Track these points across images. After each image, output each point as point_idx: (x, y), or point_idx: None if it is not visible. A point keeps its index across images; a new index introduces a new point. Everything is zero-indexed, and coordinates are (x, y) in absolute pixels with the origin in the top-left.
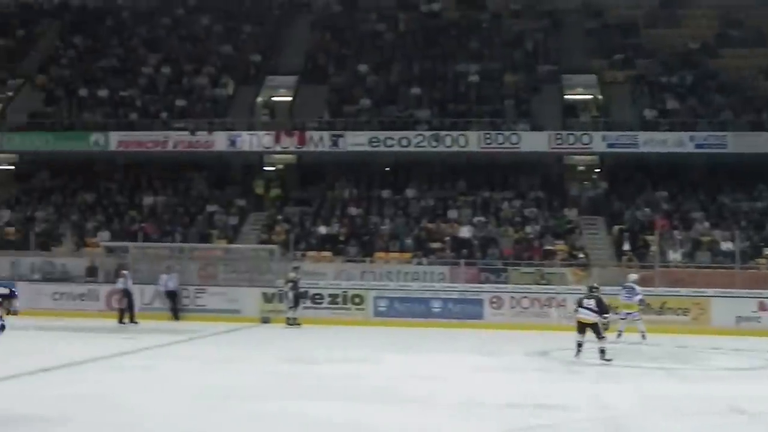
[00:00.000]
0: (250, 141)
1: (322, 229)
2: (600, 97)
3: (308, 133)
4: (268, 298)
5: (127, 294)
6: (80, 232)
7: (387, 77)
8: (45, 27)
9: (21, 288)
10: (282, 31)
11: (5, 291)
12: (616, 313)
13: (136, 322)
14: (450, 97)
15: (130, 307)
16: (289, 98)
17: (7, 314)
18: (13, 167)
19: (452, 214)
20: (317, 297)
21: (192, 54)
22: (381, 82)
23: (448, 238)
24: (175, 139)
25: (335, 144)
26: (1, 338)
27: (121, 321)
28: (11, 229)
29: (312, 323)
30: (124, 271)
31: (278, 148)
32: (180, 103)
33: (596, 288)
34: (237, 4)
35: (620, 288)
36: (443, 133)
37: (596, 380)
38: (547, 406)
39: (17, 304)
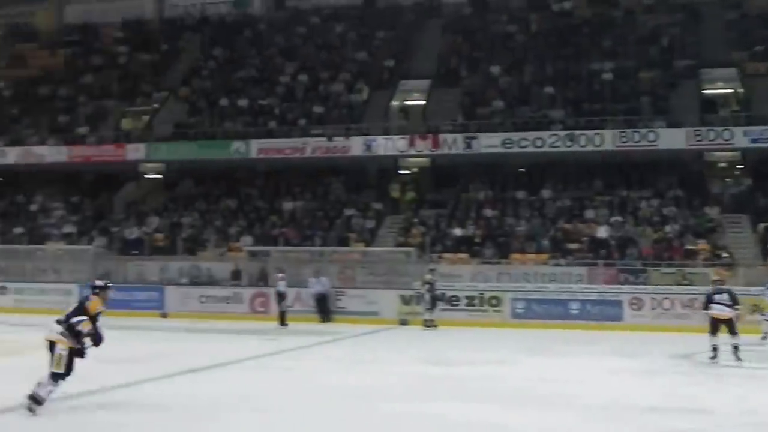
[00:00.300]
0: (385, 145)
1: (458, 231)
2: (741, 90)
3: (442, 136)
4: (405, 301)
5: (282, 296)
6: (224, 237)
7: (519, 78)
8: (187, 41)
9: (170, 291)
10: (414, 35)
11: (101, 283)
12: (762, 314)
13: (285, 325)
14: (584, 96)
15: (282, 309)
16: (423, 102)
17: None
18: (160, 176)
19: (589, 214)
20: (454, 299)
21: (327, 61)
22: (513, 83)
23: (585, 239)
24: (313, 146)
25: (469, 146)
26: (156, 338)
27: (282, 323)
28: (160, 236)
29: (449, 325)
30: (281, 274)
31: (413, 152)
32: (317, 109)
33: (722, 281)
34: (370, 12)
35: (764, 288)
36: (578, 132)
37: (743, 384)
38: (692, 410)
39: (111, 294)
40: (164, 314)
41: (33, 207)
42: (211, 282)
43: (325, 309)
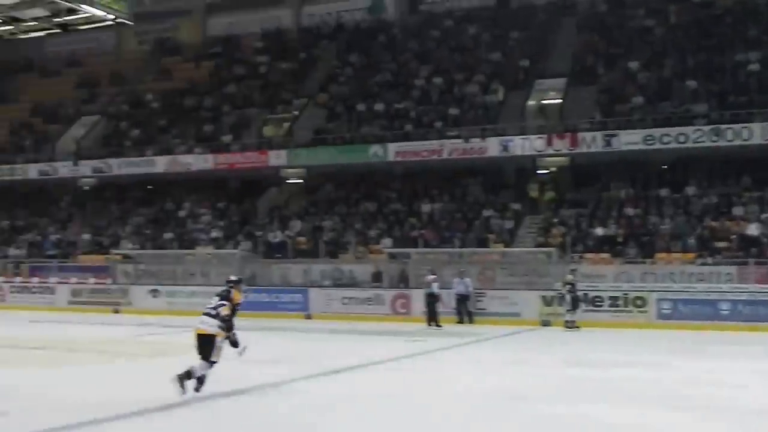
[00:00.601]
0: (522, 145)
1: (599, 231)
2: None
3: (580, 135)
4: (547, 301)
5: (435, 298)
6: (364, 240)
7: (659, 73)
8: (324, 49)
9: (313, 293)
10: (548, 34)
11: (234, 278)
12: None
13: (439, 326)
14: (729, 89)
15: (435, 311)
16: (559, 100)
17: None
18: (301, 181)
19: (737, 211)
20: (597, 299)
21: (462, 63)
22: (653, 79)
23: (734, 237)
24: (450, 147)
25: (608, 144)
26: (300, 338)
27: (437, 324)
28: (302, 239)
29: (592, 326)
30: (433, 276)
31: (550, 151)
32: (452, 111)
33: None
34: (503, 12)
35: None
36: (723, 126)
37: None
38: None
39: (244, 287)
40: (308, 315)
41: (182, 213)
42: (353, 284)
43: (466, 310)
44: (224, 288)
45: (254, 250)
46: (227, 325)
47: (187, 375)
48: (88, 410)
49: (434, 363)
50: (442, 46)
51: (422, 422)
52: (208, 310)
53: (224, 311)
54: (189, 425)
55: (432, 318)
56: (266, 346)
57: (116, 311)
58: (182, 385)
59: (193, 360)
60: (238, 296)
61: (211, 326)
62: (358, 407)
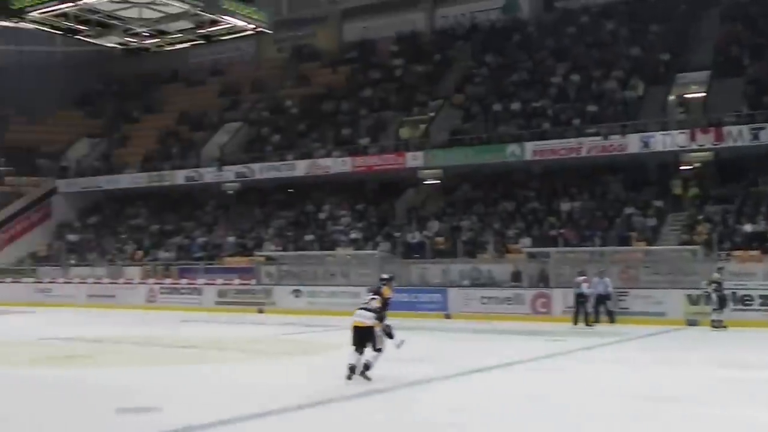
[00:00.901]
0: (663, 141)
1: (748, 227)
2: None
3: (725, 129)
4: (693, 300)
5: (584, 298)
6: (502, 240)
7: None
8: (458, 50)
9: (452, 293)
10: (690, 26)
11: (387, 276)
12: None
13: (590, 325)
14: None
15: (585, 311)
16: (702, 94)
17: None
18: (438, 181)
19: None
20: (746, 298)
21: (599, 59)
22: None
23: None
24: (588, 145)
25: (756, 137)
26: (440, 338)
27: (586, 324)
28: (440, 239)
29: (741, 326)
30: (583, 276)
31: (694, 146)
32: (591, 108)
33: None
34: (642, 6)
35: None
36: None
37: None
38: None
39: (394, 285)
40: (447, 315)
41: (322, 215)
42: (492, 283)
43: (606, 310)
44: (377, 285)
45: (393, 250)
46: (379, 316)
47: (366, 367)
48: (248, 403)
49: (576, 363)
50: (579, 42)
51: (565, 422)
52: (363, 305)
53: (375, 303)
54: (344, 418)
55: (581, 317)
56: (408, 345)
57: (260, 311)
58: (366, 376)
59: (347, 354)
60: (388, 292)
61: (367, 319)
62: (499, 407)
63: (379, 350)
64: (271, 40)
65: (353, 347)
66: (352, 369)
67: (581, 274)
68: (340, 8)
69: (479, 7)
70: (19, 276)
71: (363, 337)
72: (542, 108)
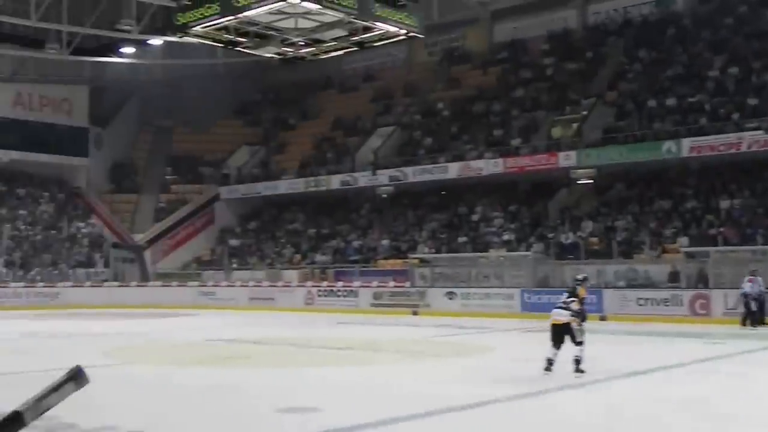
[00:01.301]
0: None
1: None
2: None
3: None
4: None
5: (754, 298)
6: (659, 239)
7: None
8: (611, 46)
9: (608, 294)
10: None
11: (581, 277)
12: None
13: (754, 327)
14: None
15: (760, 312)
16: None
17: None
18: (592, 181)
19: None
20: None
21: (759, 50)
22: None
23: None
24: (749, 140)
25: None
26: (596, 340)
27: (752, 324)
28: (594, 240)
29: None
30: (752, 277)
31: None
32: (751, 102)
33: None
34: None
35: None
36: None
37: None
38: None
39: (588, 285)
40: (603, 317)
41: (474, 217)
42: (648, 284)
43: (759, 311)
44: (571, 286)
45: (546, 251)
46: (581, 316)
47: (577, 362)
48: (406, 404)
49: (739, 367)
50: (737, 33)
51: (728, 430)
52: (559, 305)
53: (575, 306)
54: (499, 419)
55: (745, 318)
56: (563, 346)
57: (415, 313)
58: (579, 370)
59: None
60: (583, 292)
61: (563, 316)
62: (656, 411)
63: (580, 343)
64: (422, 44)
65: (551, 343)
66: (549, 362)
67: (751, 273)
68: (490, 10)
69: (632, 2)
70: (185, 280)
71: (560, 334)
72: (699, 103)
